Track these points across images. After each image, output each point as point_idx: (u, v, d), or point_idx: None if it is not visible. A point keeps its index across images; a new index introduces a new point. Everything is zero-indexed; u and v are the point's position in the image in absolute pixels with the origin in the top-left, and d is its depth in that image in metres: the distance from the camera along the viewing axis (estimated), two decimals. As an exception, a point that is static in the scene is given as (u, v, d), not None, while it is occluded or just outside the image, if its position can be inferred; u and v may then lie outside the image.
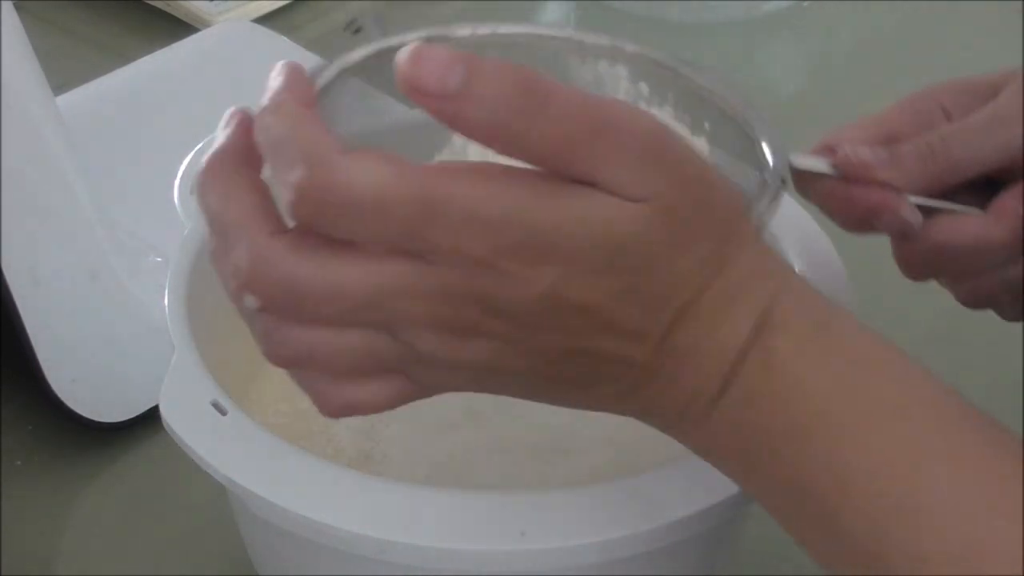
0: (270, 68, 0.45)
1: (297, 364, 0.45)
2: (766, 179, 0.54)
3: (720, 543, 0.58)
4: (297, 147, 0.42)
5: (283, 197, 0.42)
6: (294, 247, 0.43)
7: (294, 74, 0.44)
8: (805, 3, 1.07)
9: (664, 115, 0.57)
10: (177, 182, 0.82)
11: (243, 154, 0.45)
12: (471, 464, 0.61)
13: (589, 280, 0.44)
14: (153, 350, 0.70)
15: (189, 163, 0.83)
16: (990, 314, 0.71)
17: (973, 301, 0.61)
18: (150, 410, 0.73)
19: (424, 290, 0.43)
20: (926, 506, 0.45)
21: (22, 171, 0.68)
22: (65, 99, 0.86)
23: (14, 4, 0.68)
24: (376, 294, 0.43)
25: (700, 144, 0.57)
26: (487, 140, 0.43)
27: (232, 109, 0.46)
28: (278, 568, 0.60)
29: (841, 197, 0.57)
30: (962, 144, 0.57)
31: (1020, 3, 0.95)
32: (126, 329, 0.73)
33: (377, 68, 0.54)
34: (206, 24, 1.01)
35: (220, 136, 0.46)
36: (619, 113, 0.43)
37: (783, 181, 0.55)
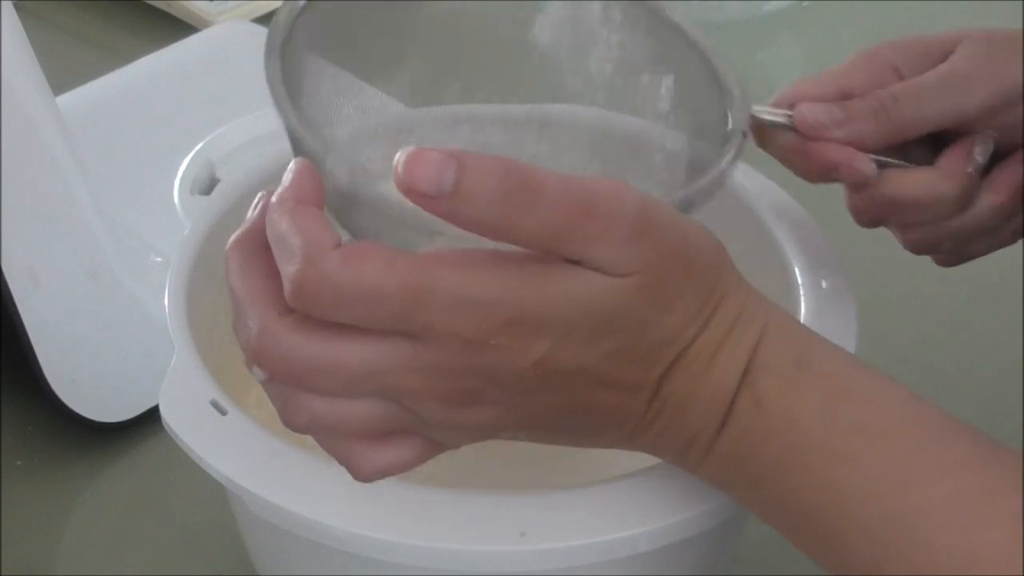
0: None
1: (311, 430, 0.48)
2: (730, 130, 0.55)
3: (720, 543, 0.58)
4: (295, 243, 0.45)
5: (284, 287, 0.45)
6: (297, 326, 0.46)
7: (302, 171, 0.47)
8: (805, 3, 1.07)
9: (634, 44, 0.58)
10: (177, 182, 0.83)
11: (264, 236, 0.47)
12: (471, 464, 0.61)
13: (580, 347, 0.46)
14: (153, 350, 0.70)
15: (189, 163, 0.84)
16: (989, 310, 0.71)
17: (917, 248, 0.63)
18: (150, 410, 0.73)
19: (420, 366, 0.46)
20: (919, 522, 0.46)
21: (22, 171, 0.68)
22: (65, 99, 0.86)
23: (14, 4, 0.68)
24: (375, 370, 0.46)
25: (668, 82, 0.58)
26: (481, 232, 0.45)
27: (261, 193, 0.49)
28: (278, 568, 0.60)
29: (800, 152, 0.59)
30: (914, 103, 0.59)
31: (1020, 3, 0.95)
32: (126, 329, 0.73)
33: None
34: (206, 24, 1.01)
35: (248, 217, 0.49)
36: (605, 195, 0.45)
37: (744, 134, 0.55)
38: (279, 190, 0.47)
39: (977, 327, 0.81)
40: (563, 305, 0.45)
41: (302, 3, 0.53)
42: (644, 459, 0.59)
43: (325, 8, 0.54)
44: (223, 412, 0.55)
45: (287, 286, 0.45)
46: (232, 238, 0.48)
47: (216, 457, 0.54)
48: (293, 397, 0.47)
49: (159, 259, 0.76)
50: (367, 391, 0.46)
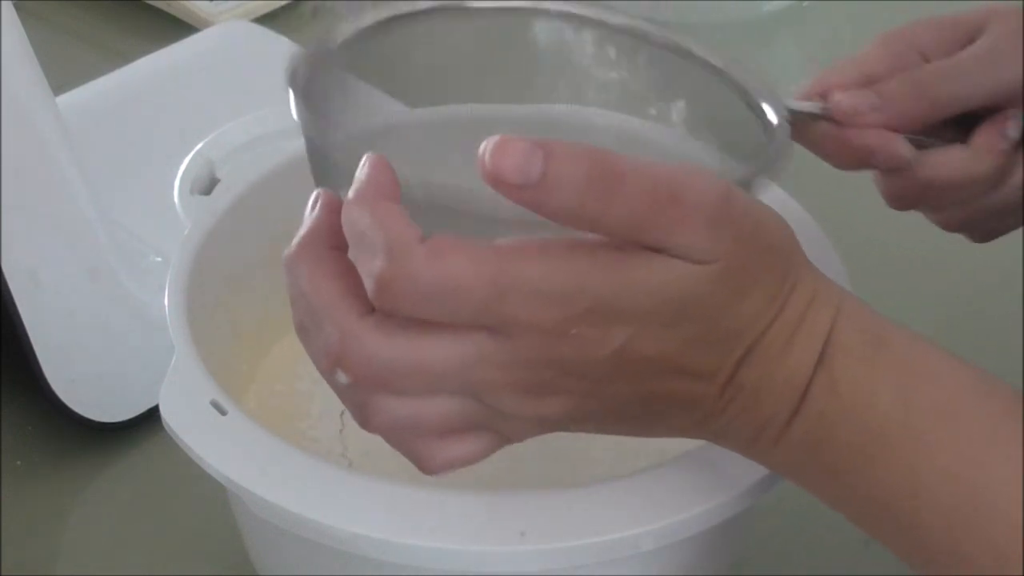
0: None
1: (391, 431, 0.48)
2: (774, 126, 0.55)
3: (720, 543, 0.58)
4: (378, 240, 0.44)
5: (366, 285, 0.45)
6: (380, 327, 0.45)
7: (377, 165, 0.46)
8: (805, 3, 1.07)
9: (635, 80, 0.58)
10: (177, 182, 0.83)
11: (330, 235, 0.47)
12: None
13: (659, 334, 0.46)
14: (153, 350, 0.70)
15: (189, 163, 0.84)
16: (989, 310, 0.71)
17: (950, 226, 0.63)
18: (150, 410, 0.73)
19: (502, 360, 0.45)
20: (999, 498, 0.46)
21: (22, 171, 0.68)
22: (65, 99, 0.85)
23: (14, 4, 0.68)
24: (458, 367, 0.45)
25: (679, 106, 0.58)
26: (565, 221, 0.44)
27: (317, 191, 0.48)
28: (278, 568, 0.60)
29: (835, 140, 0.59)
30: (952, 81, 0.59)
31: (1021, 3, 0.95)
32: (126, 329, 0.73)
33: (366, 45, 0.54)
34: (206, 24, 1.01)
35: (308, 218, 0.48)
36: (686, 182, 0.45)
37: (791, 125, 0.55)
38: (356, 186, 0.46)
39: (976, 324, 0.81)
40: (643, 294, 0.45)
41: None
42: (644, 458, 0.59)
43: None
44: (223, 412, 0.55)
45: (371, 284, 0.44)
46: (296, 242, 0.48)
47: (216, 457, 0.54)
48: (372, 399, 0.47)
49: (159, 259, 0.76)
50: (448, 388, 0.46)
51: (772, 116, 0.55)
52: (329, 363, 0.46)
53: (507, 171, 0.43)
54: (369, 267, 0.44)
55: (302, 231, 0.48)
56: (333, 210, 0.47)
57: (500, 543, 0.51)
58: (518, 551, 0.51)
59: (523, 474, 0.61)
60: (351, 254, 0.46)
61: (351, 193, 0.46)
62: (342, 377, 0.46)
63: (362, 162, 0.46)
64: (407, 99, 0.58)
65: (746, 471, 0.53)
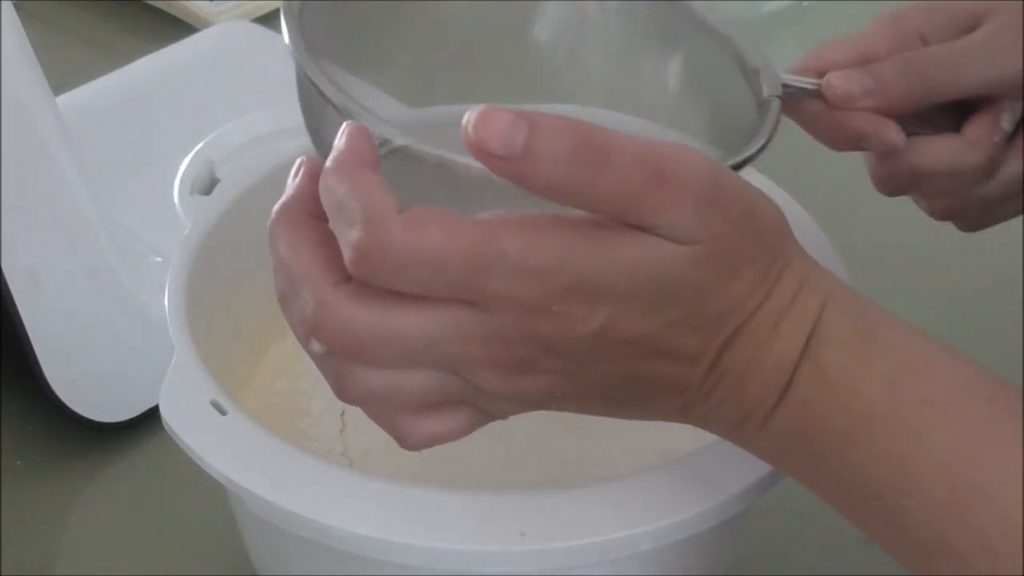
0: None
1: (367, 403, 0.47)
2: (766, 97, 0.55)
3: (720, 543, 0.58)
4: (355, 208, 0.44)
5: (344, 254, 0.44)
6: (356, 296, 0.45)
7: (356, 134, 0.46)
8: (805, 3, 1.07)
9: (633, 32, 0.58)
10: (177, 182, 0.83)
11: (311, 204, 0.46)
12: (471, 464, 0.61)
13: (642, 315, 0.45)
14: (153, 350, 0.70)
15: (189, 163, 0.84)
16: (989, 310, 0.71)
17: (940, 214, 0.63)
18: (150, 410, 0.73)
19: (480, 334, 0.45)
20: (994, 495, 0.46)
21: (22, 171, 0.68)
22: (65, 99, 0.86)
23: (14, 4, 0.68)
24: (434, 339, 0.45)
25: (676, 62, 0.58)
26: (550, 196, 0.44)
27: (301, 159, 0.48)
28: (278, 568, 0.60)
29: (827, 121, 0.59)
30: (948, 67, 0.59)
31: (1020, 2, 0.95)
32: (126, 329, 0.73)
33: None
34: (206, 24, 1.01)
35: (289, 185, 0.48)
36: (675, 161, 0.45)
37: (780, 100, 0.55)
38: (334, 154, 0.45)
39: (978, 324, 0.81)
40: (626, 272, 0.45)
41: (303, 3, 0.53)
42: (645, 459, 0.59)
43: (328, 7, 0.54)
44: (223, 412, 0.55)
45: (348, 253, 0.44)
46: (276, 208, 0.47)
47: (216, 457, 0.54)
48: (349, 370, 0.46)
49: (159, 259, 0.76)
50: (425, 361, 0.46)
51: (765, 89, 0.55)
52: (304, 331, 0.46)
53: (490, 142, 0.43)
54: (347, 236, 0.44)
55: (283, 198, 0.47)
56: (315, 178, 0.47)
57: (500, 543, 0.51)
58: (518, 551, 0.51)
59: (523, 474, 0.61)
60: (330, 223, 0.45)
61: (329, 162, 0.45)
62: (316, 346, 0.46)
63: (340, 130, 0.46)
64: (404, 97, 0.58)
65: (745, 472, 0.53)
